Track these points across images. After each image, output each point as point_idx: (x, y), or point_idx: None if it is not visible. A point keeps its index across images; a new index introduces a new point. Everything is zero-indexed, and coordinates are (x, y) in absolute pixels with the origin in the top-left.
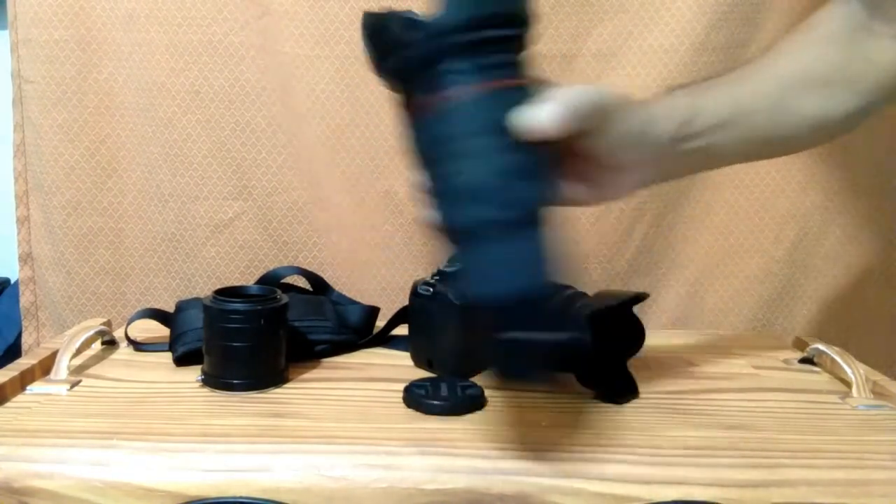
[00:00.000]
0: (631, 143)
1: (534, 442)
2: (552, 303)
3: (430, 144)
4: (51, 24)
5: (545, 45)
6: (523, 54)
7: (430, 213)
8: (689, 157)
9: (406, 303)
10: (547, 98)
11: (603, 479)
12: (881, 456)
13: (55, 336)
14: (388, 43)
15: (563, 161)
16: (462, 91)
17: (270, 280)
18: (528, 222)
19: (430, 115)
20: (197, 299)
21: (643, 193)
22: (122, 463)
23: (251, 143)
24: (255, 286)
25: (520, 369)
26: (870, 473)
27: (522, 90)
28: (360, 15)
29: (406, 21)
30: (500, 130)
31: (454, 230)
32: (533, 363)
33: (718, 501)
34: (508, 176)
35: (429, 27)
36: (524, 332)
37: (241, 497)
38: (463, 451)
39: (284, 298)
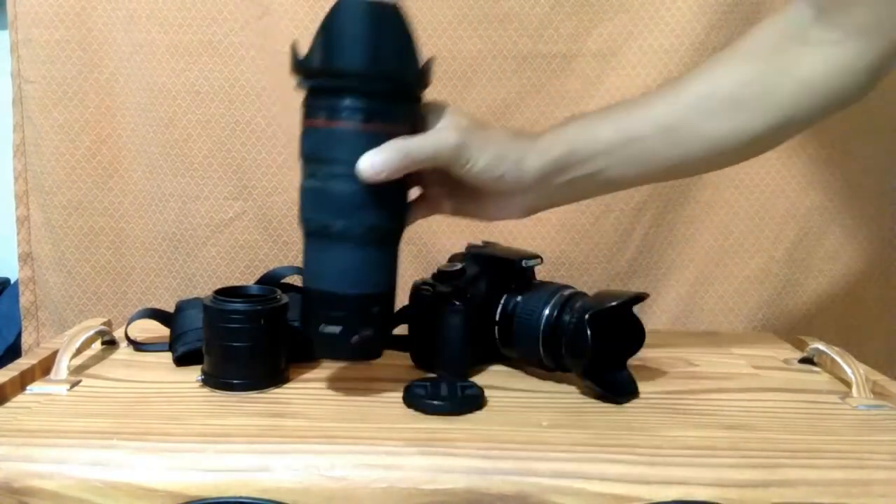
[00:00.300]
0: (498, 175)
1: (534, 442)
2: (363, 307)
3: (311, 153)
4: (51, 24)
5: (545, 45)
6: (409, 106)
7: (299, 203)
8: (571, 185)
9: (406, 303)
10: (383, 147)
11: (603, 479)
12: (881, 456)
13: (55, 336)
14: (307, 67)
15: (454, 186)
16: (348, 124)
17: (270, 280)
18: (365, 241)
19: (319, 132)
20: (197, 299)
21: (643, 193)
22: (122, 463)
23: (251, 142)
24: (255, 286)
25: (327, 352)
26: (870, 473)
27: (393, 136)
28: None
29: (324, 58)
30: None
31: (308, 227)
32: (336, 349)
33: (718, 501)
34: (361, 201)
35: (341, 67)
36: (333, 326)
37: (241, 497)
38: (463, 451)
39: (284, 298)
